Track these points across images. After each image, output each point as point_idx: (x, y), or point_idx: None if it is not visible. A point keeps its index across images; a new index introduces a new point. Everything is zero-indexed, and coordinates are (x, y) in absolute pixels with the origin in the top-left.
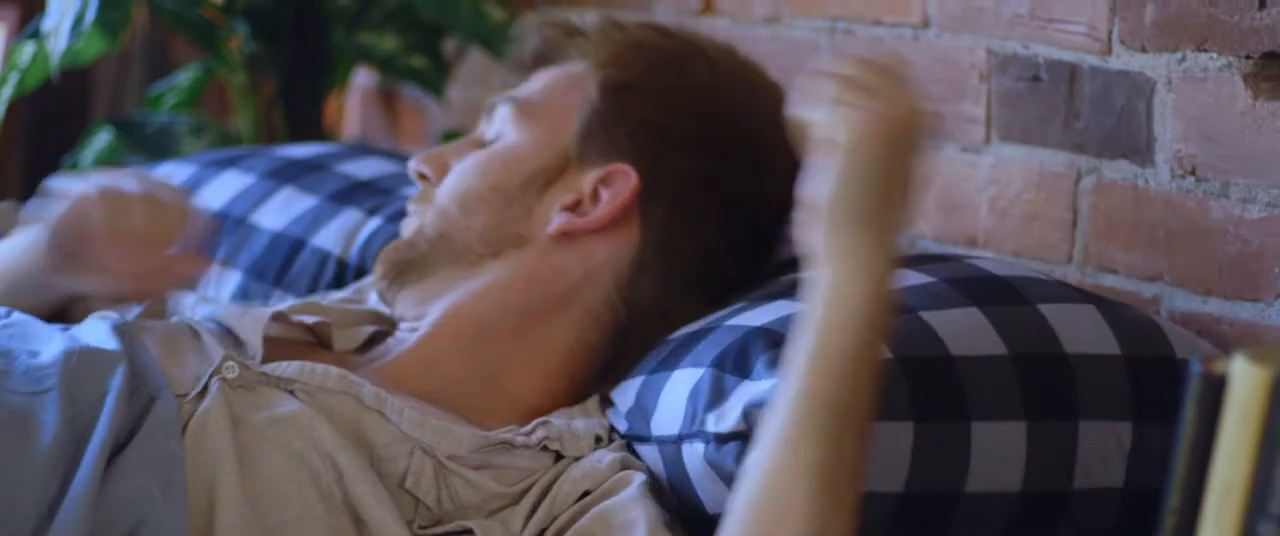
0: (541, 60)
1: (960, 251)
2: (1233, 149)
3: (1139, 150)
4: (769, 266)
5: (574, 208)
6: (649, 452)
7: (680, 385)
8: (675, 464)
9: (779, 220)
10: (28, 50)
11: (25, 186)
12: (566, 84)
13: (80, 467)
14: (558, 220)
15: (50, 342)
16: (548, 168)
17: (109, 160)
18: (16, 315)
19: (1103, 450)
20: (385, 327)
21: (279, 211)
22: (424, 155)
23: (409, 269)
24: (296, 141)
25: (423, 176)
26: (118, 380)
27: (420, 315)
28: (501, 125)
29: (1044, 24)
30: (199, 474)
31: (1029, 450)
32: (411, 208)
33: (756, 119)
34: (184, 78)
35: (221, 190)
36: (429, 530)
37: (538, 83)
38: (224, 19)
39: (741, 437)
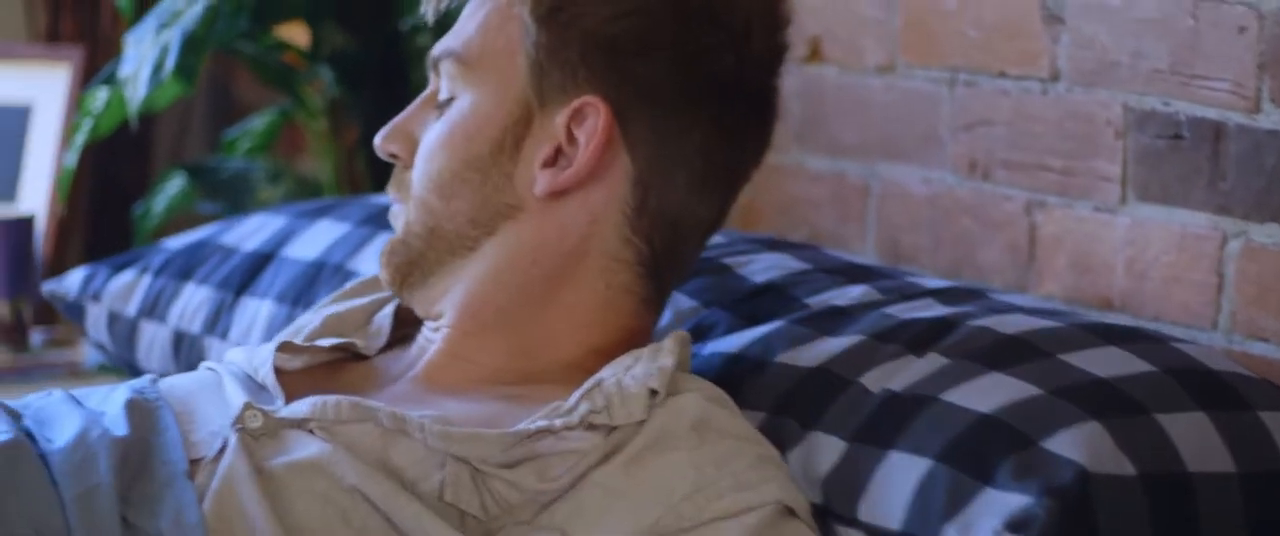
0: None
1: (1095, 314)
2: None
3: None
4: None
5: (554, 160)
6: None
7: (901, 473)
8: None
9: (770, 77)
10: (102, 96)
11: (91, 233)
12: (499, 20)
13: None
14: (542, 180)
15: (68, 425)
16: (513, 123)
17: (181, 207)
18: (57, 393)
19: None
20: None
21: (376, 257)
22: (388, 132)
23: (412, 270)
24: (380, 188)
25: (394, 156)
26: (109, 471)
27: (439, 313)
28: (451, 85)
29: (1186, 80)
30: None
31: None
32: (393, 195)
33: None
34: (259, 122)
35: (316, 239)
36: None
37: (470, 25)
38: (306, 64)
39: None
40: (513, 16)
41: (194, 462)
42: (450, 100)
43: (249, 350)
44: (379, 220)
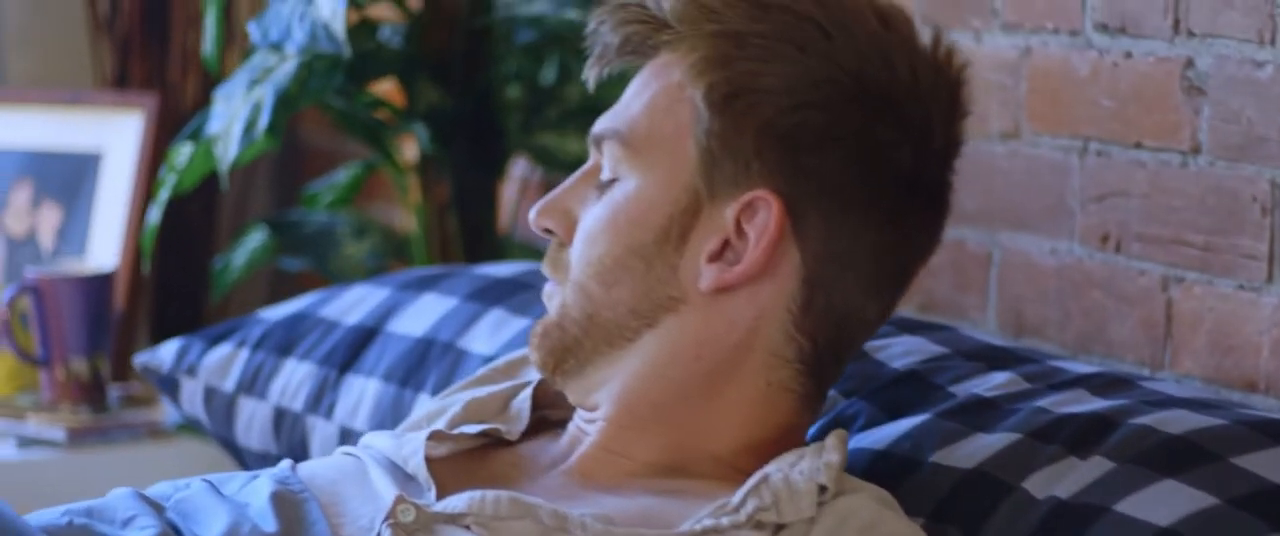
0: (625, 54)
1: (1237, 397)
2: None
3: None
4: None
5: (721, 254)
6: None
7: None
8: None
9: (947, 172)
10: (185, 151)
11: (163, 291)
12: (667, 101)
13: None
14: (709, 275)
15: (215, 520)
16: (680, 212)
17: (262, 261)
18: (197, 483)
19: None
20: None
21: (490, 335)
22: (544, 206)
23: (567, 356)
24: (471, 245)
25: (548, 232)
26: None
27: (594, 405)
28: (614, 166)
29: None
30: None
31: None
32: (547, 272)
33: (894, 67)
34: (342, 175)
35: (423, 316)
36: None
37: (637, 104)
38: (396, 119)
39: None
40: (683, 99)
41: None
42: (613, 181)
43: (394, 436)
44: (486, 295)
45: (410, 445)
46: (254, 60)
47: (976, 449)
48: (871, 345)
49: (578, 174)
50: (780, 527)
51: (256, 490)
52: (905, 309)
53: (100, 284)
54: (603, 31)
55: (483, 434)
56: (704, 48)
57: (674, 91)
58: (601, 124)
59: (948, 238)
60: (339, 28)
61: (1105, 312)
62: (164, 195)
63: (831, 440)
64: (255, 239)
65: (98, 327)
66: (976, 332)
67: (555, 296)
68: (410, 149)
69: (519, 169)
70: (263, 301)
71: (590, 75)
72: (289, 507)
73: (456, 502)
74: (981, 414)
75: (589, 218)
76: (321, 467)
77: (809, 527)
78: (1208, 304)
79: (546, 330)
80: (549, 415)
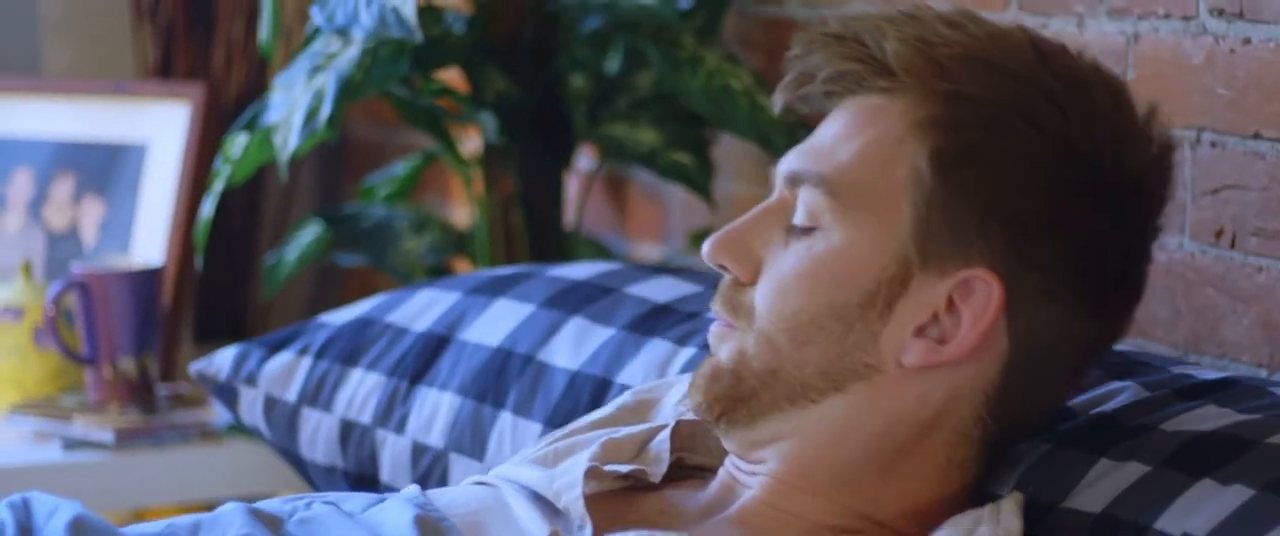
0: (831, 90)
1: None
2: None
3: None
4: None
5: (927, 327)
6: None
7: None
8: None
9: (1148, 261)
10: (240, 141)
11: (206, 286)
12: (884, 154)
13: None
14: (916, 351)
15: None
16: (888, 278)
17: (316, 255)
18: (317, 506)
19: None
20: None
21: (572, 347)
22: (725, 242)
23: (739, 407)
24: (536, 241)
25: (723, 268)
26: None
27: (760, 459)
28: (816, 213)
29: None
30: None
31: None
32: (720, 312)
33: (1124, 161)
34: (400, 168)
35: (497, 323)
36: None
37: (846, 151)
38: (461, 108)
39: None
40: (903, 157)
41: None
42: (810, 229)
43: (537, 466)
44: (565, 301)
45: (565, 478)
46: (315, 46)
47: (1105, 489)
48: None
49: (760, 208)
50: None
51: (391, 512)
52: None
53: (149, 279)
54: (810, 60)
55: (629, 475)
56: (932, 106)
57: (892, 146)
58: (799, 163)
59: None
60: (409, 12)
61: (1219, 311)
62: (218, 187)
63: (1009, 505)
64: (309, 233)
65: (146, 325)
66: None
67: (729, 340)
68: (470, 140)
69: (583, 161)
70: (309, 297)
71: (779, 99)
72: (433, 534)
73: None
74: (1101, 437)
75: (784, 266)
76: (458, 496)
77: None
78: None
79: (717, 375)
80: (686, 458)
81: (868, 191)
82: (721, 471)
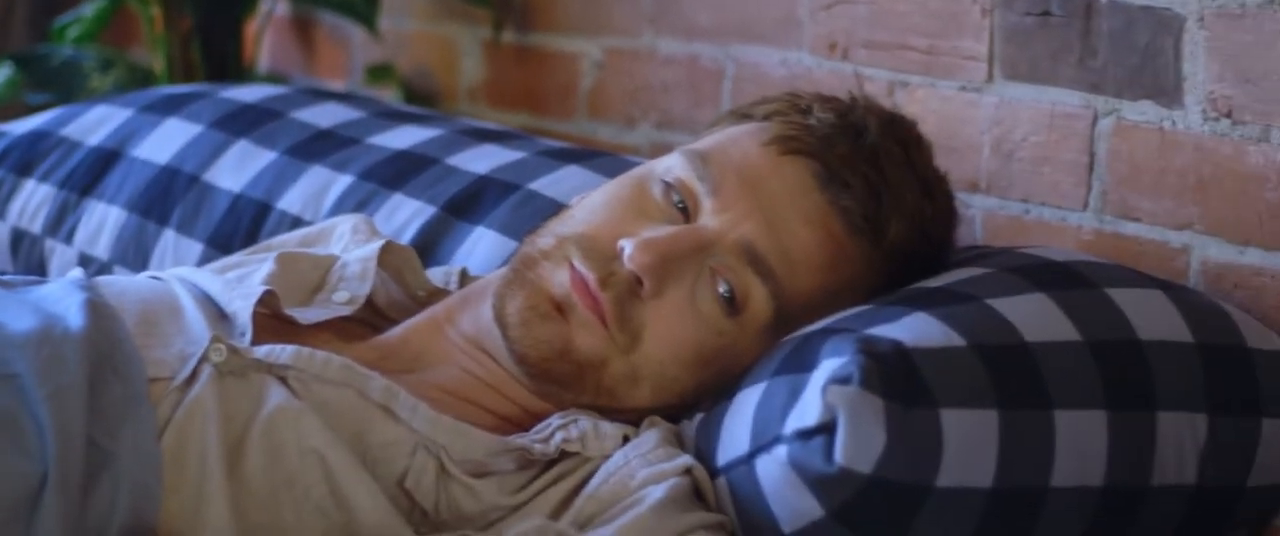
0: (825, 181)
1: (961, 196)
2: (1275, 91)
3: (1165, 91)
4: None
5: None
6: (718, 488)
7: (742, 407)
8: (746, 485)
9: None
10: None
11: None
12: (830, 300)
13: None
14: None
15: (17, 318)
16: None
17: (9, 97)
18: None
19: (1179, 443)
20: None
21: (236, 169)
22: (658, 262)
23: (557, 384)
24: (213, 78)
25: (638, 282)
26: (80, 373)
27: (493, 363)
28: (752, 309)
29: None
30: (185, 474)
31: (1111, 441)
32: (608, 311)
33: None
34: (89, 9)
35: (166, 142)
36: None
37: (809, 280)
38: None
39: (827, 430)
40: (837, 307)
41: (151, 381)
42: (733, 312)
43: (218, 275)
44: (232, 123)
45: (241, 289)
46: None
47: None
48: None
49: (694, 240)
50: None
51: (56, 292)
52: (646, 127)
53: None
54: (826, 141)
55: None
56: (884, 278)
57: (842, 295)
58: (768, 252)
59: (682, 54)
60: None
61: None
62: None
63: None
64: (1, 74)
65: None
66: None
67: (597, 340)
68: None
69: (269, 4)
70: None
71: (767, 125)
72: (103, 320)
73: (283, 352)
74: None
75: (689, 335)
76: (128, 287)
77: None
78: (930, 106)
79: (564, 356)
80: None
81: (796, 322)
82: (408, 333)
